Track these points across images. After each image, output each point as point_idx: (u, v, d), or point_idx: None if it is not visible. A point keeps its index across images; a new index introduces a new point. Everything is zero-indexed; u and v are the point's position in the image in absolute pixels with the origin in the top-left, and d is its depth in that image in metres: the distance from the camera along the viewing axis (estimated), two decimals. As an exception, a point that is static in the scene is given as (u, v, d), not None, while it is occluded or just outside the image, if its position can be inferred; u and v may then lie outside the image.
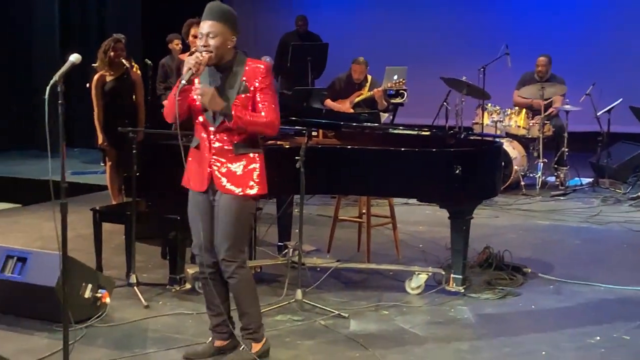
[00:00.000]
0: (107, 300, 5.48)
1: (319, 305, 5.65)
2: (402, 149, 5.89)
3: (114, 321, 5.42)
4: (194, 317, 5.52)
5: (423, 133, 6.59)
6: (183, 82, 4.38)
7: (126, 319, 5.46)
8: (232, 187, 4.52)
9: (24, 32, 13.30)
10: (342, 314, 5.54)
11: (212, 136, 4.53)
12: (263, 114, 4.46)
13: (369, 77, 9.99)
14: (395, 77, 9.93)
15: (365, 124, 6.71)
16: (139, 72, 9.53)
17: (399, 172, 5.89)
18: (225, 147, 4.53)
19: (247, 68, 4.52)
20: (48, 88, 4.43)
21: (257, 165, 4.58)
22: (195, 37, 7.75)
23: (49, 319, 5.25)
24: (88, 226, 6.63)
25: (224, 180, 4.54)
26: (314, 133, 6.48)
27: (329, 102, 9.99)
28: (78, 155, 12.77)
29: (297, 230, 6.19)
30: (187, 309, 5.70)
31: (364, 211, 7.09)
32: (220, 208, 4.56)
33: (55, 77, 4.48)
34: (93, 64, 8.30)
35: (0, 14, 12.97)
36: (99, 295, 5.43)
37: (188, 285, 6.08)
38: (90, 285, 5.40)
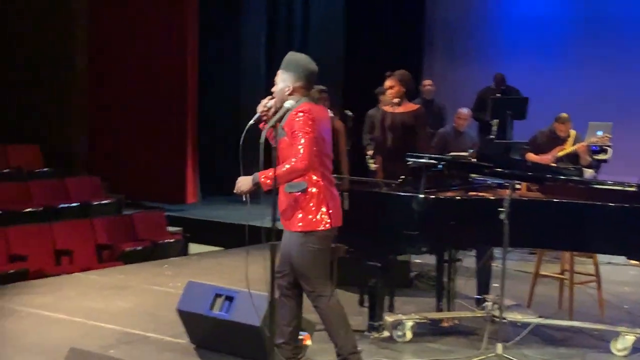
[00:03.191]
0: (308, 342, 5.57)
1: (519, 361, 5.53)
2: (613, 204, 5.70)
3: (314, 364, 5.51)
4: (392, 365, 5.52)
5: (629, 189, 6.35)
6: (250, 122, 4.86)
7: (325, 362, 5.53)
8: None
9: (232, 83, 13.79)
10: (544, 371, 5.40)
11: None
12: (297, 150, 4.75)
13: (572, 132, 9.75)
14: (600, 132, 9.66)
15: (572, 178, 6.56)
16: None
17: (607, 228, 5.70)
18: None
19: (290, 114, 4.82)
20: (263, 133, 4.65)
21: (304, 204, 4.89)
22: (387, 88, 7.89)
23: (252, 357, 5.39)
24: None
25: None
26: (517, 185, 6.40)
27: (530, 156, 9.81)
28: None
29: (495, 284, 6.09)
30: (385, 356, 5.71)
31: (566, 268, 6.90)
32: None
33: (271, 123, 4.68)
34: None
35: (212, 69, 13.53)
36: (300, 337, 5.53)
37: (386, 333, 6.09)
38: (292, 327, 5.50)
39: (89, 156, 12.68)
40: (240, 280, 7.72)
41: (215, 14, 13.38)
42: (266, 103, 5.00)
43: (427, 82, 12.14)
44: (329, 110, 8.27)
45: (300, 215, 4.91)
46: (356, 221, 6.06)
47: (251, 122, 4.90)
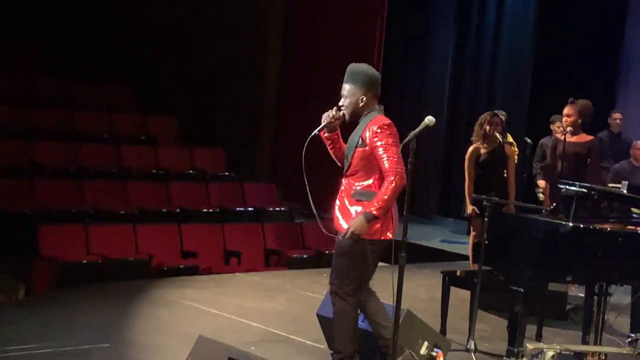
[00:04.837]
0: (441, 359, 5.58)
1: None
2: None
3: (444, 380, 5.51)
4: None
5: None
6: (315, 132, 5.13)
7: (455, 381, 5.53)
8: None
9: (414, 105, 13.79)
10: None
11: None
12: (386, 165, 4.89)
13: None
14: None
15: None
16: (515, 148, 9.62)
17: None
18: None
19: (368, 124, 4.99)
20: (401, 146, 4.75)
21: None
22: (564, 115, 7.75)
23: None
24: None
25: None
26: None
27: None
28: (451, 224, 13.09)
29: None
30: (519, 383, 5.63)
31: None
32: None
33: (410, 137, 4.76)
34: (472, 138, 8.54)
35: (395, 88, 13.66)
36: (433, 354, 5.56)
37: (526, 360, 6.00)
38: (426, 343, 5.55)
39: (272, 164, 13.08)
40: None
41: (401, 34, 13.51)
42: (333, 114, 5.16)
43: (616, 115, 11.77)
44: (498, 135, 8.29)
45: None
46: (502, 245, 6.07)
47: (315, 132, 5.15)
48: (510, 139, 9.37)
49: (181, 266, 9.01)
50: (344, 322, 5.18)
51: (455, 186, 12.57)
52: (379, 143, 4.94)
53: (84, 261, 8.56)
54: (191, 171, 11.59)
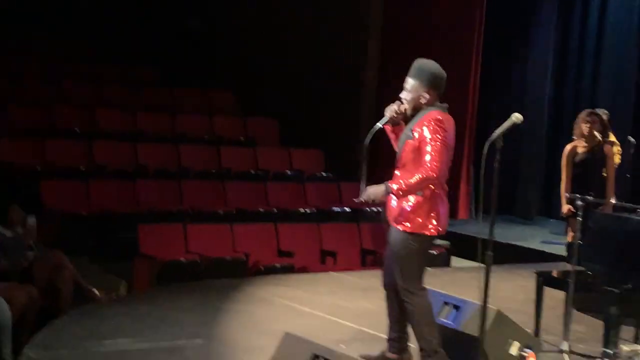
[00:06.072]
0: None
1: None
2: None
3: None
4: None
5: None
6: (378, 125, 5.18)
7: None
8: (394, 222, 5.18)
9: (515, 106, 13.59)
10: None
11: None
12: (426, 158, 4.96)
13: None
14: None
15: None
16: (617, 147, 9.42)
17: None
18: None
19: (420, 118, 5.01)
20: (487, 144, 4.70)
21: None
22: None
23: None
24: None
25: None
26: None
27: None
28: (552, 225, 12.85)
29: None
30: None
31: None
32: None
33: (495, 135, 4.72)
34: (573, 137, 8.42)
35: (495, 86, 13.50)
36: (524, 354, 5.52)
37: (620, 363, 5.87)
38: (517, 343, 5.51)
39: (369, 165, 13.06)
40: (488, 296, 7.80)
41: (500, 36, 13.34)
42: (396, 109, 5.19)
43: None
44: (597, 134, 8.15)
45: (409, 216, 5.08)
46: (596, 244, 5.96)
47: (379, 124, 5.20)
48: (612, 138, 9.21)
49: (277, 265, 9.13)
50: (421, 316, 5.24)
51: (556, 187, 12.29)
52: (427, 139, 5.01)
53: (183, 260, 8.77)
54: (288, 172, 11.74)
